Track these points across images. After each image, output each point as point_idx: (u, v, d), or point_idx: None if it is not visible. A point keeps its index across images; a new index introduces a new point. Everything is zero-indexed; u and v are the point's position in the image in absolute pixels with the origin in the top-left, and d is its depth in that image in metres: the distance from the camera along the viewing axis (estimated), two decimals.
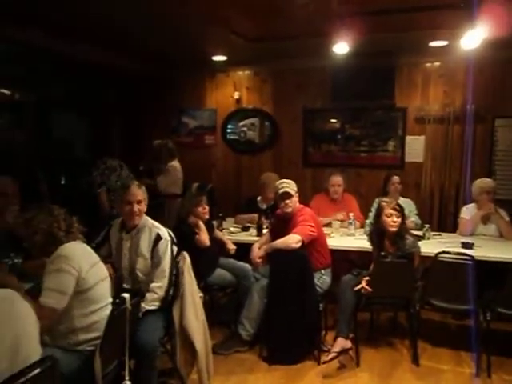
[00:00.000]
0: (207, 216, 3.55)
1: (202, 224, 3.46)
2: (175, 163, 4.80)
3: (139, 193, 2.72)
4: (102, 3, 3.35)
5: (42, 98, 6.25)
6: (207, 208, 3.53)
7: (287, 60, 5.21)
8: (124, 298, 2.12)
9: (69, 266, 2.06)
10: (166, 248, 2.66)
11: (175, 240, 2.84)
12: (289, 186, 3.39)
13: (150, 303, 2.54)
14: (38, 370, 1.46)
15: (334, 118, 5.33)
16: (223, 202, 5.17)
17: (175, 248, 2.79)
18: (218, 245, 3.71)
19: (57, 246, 2.11)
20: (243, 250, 3.67)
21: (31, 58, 5.14)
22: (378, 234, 3.26)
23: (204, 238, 3.40)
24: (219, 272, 3.57)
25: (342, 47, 3.88)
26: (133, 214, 2.67)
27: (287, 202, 3.35)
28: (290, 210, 3.37)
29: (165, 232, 2.74)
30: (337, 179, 4.41)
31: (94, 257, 2.26)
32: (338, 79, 5.10)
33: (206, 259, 3.39)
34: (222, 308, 4.01)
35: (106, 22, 3.88)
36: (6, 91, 6.33)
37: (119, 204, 2.75)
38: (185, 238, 3.26)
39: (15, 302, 1.69)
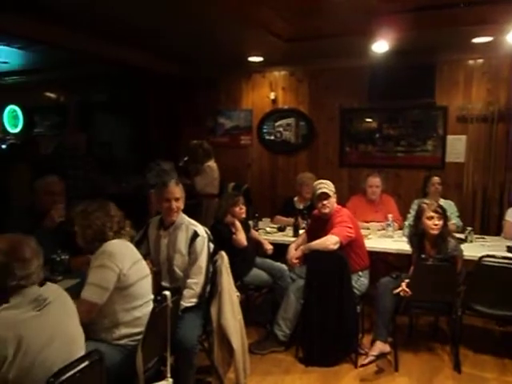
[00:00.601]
0: (244, 216, 3.58)
1: (238, 224, 3.48)
2: (212, 163, 4.86)
3: (177, 190, 2.80)
4: (141, 7, 3.44)
5: (85, 100, 6.50)
6: (244, 208, 3.56)
7: (323, 60, 5.16)
8: (165, 296, 2.17)
9: (112, 262, 2.12)
10: (203, 245, 2.71)
11: (212, 237, 2.88)
12: (327, 186, 3.36)
13: (188, 300, 2.59)
14: (86, 363, 1.52)
15: (371, 118, 5.24)
16: (259, 202, 5.19)
17: (212, 245, 2.83)
18: (254, 245, 3.73)
19: (101, 243, 2.19)
20: (279, 250, 3.68)
21: (75, 62, 5.34)
22: (418, 236, 3.19)
23: (241, 237, 3.43)
24: (255, 272, 3.58)
25: (380, 46, 3.82)
26: (171, 210, 2.75)
27: (325, 202, 3.33)
28: (327, 210, 3.34)
29: (201, 229, 2.79)
30: (375, 180, 4.33)
31: (137, 254, 2.32)
32: (376, 78, 5.00)
33: (242, 259, 3.42)
34: (258, 308, 4.02)
35: (146, 25, 3.97)
36: (51, 94, 6.63)
37: (159, 201, 2.83)
38: (222, 238, 3.30)
39: (68, 297, 1.78)
